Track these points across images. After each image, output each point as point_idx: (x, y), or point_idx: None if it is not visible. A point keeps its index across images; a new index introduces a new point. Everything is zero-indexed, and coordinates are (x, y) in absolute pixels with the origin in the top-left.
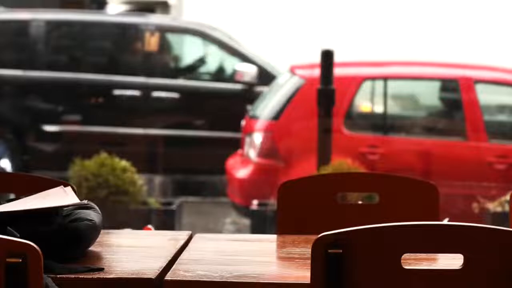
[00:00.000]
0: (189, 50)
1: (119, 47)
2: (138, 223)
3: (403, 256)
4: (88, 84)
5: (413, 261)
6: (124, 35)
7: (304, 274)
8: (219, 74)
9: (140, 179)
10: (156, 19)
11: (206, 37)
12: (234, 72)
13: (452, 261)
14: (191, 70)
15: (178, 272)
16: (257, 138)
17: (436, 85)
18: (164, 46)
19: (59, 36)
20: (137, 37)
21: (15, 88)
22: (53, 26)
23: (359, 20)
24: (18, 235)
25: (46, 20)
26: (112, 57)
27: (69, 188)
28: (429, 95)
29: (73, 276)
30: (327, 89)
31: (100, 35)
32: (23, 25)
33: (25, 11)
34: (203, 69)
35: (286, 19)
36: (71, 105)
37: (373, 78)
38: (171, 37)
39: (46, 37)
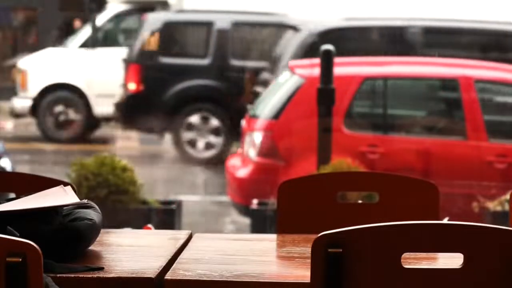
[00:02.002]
0: None
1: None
2: (138, 223)
3: (403, 255)
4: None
5: (413, 260)
6: (495, 43)
7: (304, 273)
8: None
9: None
10: None
11: None
12: None
13: (452, 260)
14: None
15: (178, 272)
16: (257, 137)
17: (436, 84)
18: None
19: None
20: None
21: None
22: (434, 32)
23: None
24: (18, 235)
25: (423, 26)
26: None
27: (69, 188)
28: (429, 94)
29: (73, 275)
30: (327, 88)
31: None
32: (398, 31)
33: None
34: None
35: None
36: None
37: (373, 78)
38: None
39: (423, 43)
